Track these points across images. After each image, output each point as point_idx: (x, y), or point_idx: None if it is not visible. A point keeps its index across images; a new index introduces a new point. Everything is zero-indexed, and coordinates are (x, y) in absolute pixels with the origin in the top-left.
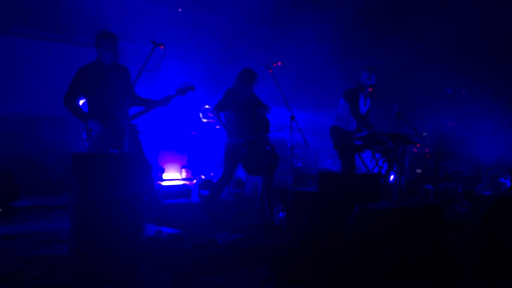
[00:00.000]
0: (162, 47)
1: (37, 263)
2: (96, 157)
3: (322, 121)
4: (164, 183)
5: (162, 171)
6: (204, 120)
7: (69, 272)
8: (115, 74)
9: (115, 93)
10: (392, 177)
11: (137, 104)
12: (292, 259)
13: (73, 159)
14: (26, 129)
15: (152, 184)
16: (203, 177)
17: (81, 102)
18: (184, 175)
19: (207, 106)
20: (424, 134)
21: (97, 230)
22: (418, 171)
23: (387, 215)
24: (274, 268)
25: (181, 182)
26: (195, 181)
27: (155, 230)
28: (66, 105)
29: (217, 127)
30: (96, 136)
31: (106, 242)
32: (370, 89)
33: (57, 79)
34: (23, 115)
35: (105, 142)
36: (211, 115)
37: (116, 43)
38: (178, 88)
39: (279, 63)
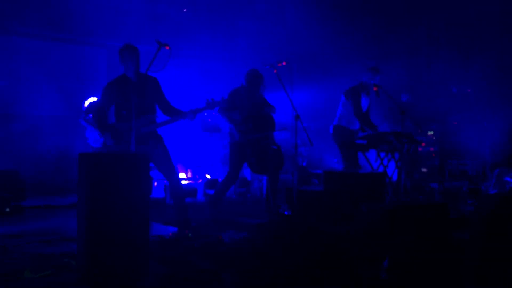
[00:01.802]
0: (167, 48)
1: (46, 261)
2: (104, 157)
3: (327, 119)
4: None
5: None
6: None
7: (77, 270)
8: (140, 88)
9: (137, 107)
10: (397, 175)
11: (165, 113)
12: (299, 259)
13: (81, 159)
14: (33, 129)
15: (179, 190)
16: (208, 176)
17: (88, 101)
18: (189, 174)
19: None
20: (430, 133)
21: (104, 229)
22: (424, 170)
23: (393, 214)
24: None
25: (186, 182)
26: (200, 180)
27: (162, 229)
28: (94, 117)
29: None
30: (107, 148)
31: (113, 240)
32: (375, 88)
33: (63, 79)
34: (30, 115)
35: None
36: (215, 114)
37: (137, 55)
38: (209, 102)
39: (284, 63)
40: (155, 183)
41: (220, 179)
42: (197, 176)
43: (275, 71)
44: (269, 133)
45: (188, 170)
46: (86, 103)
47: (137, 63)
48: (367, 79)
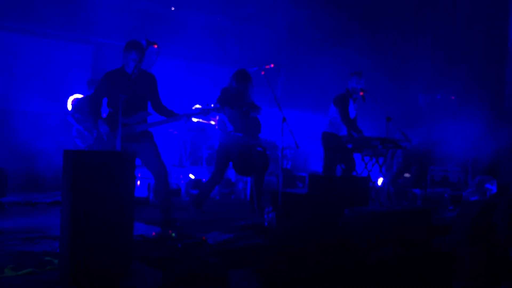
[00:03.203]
0: (155, 46)
1: (27, 259)
2: (89, 155)
3: (313, 123)
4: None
5: None
6: (195, 120)
7: (59, 269)
8: (138, 84)
9: (132, 103)
10: (381, 180)
11: (156, 111)
12: (277, 260)
13: (66, 156)
14: (18, 125)
15: (165, 189)
16: (192, 176)
17: (71, 98)
18: None
19: (197, 106)
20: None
21: (88, 228)
22: (407, 175)
23: (376, 218)
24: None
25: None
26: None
27: (145, 229)
28: (88, 105)
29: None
30: (100, 136)
31: (97, 239)
32: (361, 93)
33: (48, 75)
34: (15, 110)
35: (108, 144)
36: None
37: (142, 55)
38: (204, 108)
39: (272, 65)
40: (138, 182)
41: (204, 180)
42: (181, 176)
43: (262, 73)
44: (254, 135)
45: None
46: (70, 99)
47: (139, 59)
48: (353, 85)
